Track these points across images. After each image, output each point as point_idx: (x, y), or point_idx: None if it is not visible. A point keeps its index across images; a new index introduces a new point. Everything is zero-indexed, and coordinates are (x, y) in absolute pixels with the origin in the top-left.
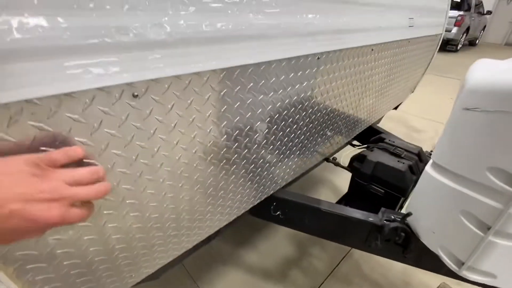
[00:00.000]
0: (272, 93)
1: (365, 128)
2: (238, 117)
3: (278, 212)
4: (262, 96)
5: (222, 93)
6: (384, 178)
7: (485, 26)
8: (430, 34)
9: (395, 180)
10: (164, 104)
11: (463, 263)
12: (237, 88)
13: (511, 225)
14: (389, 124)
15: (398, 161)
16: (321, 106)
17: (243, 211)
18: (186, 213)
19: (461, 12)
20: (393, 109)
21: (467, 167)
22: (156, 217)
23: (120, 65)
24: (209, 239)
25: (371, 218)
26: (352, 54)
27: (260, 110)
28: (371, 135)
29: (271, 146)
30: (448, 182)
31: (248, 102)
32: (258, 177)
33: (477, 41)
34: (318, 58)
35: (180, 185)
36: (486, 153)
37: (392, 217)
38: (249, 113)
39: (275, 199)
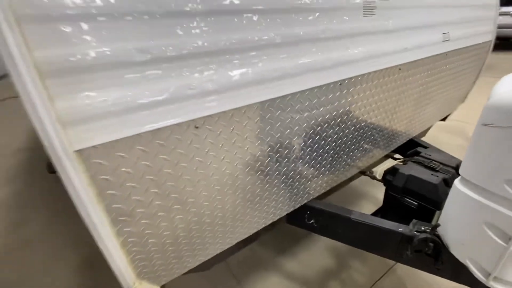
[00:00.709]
0: (304, 114)
1: (404, 141)
2: (269, 137)
3: (312, 221)
4: (292, 118)
5: (256, 120)
6: (416, 190)
7: None
8: (476, 43)
9: (427, 193)
10: (215, 131)
11: (489, 274)
12: (268, 115)
13: None
14: (444, 136)
15: (432, 174)
16: (354, 121)
17: (278, 217)
18: (230, 213)
19: None
20: (441, 120)
21: (488, 181)
22: (207, 214)
23: (186, 108)
24: (250, 240)
25: (401, 228)
26: (377, 76)
27: (289, 130)
28: (413, 148)
29: (301, 160)
30: (472, 195)
31: (277, 125)
32: (290, 188)
33: None
34: (340, 84)
35: (225, 190)
36: (503, 167)
37: (423, 228)
38: (279, 134)
39: (309, 208)
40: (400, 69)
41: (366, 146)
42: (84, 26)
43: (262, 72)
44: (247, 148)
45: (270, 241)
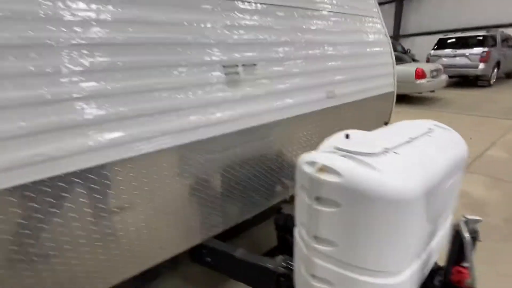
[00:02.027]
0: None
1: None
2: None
3: (209, 259)
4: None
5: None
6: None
7: None
8: (373, 95)
9: None
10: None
11: None
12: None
13: None
14: None
15: None
16: (239, 172)
17: (170, 255)
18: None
19: (486, 49)
20: None
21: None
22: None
23: None
24: (147, 275)
25: (269, 264)
26: (254, 131)
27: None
28: None
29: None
30: (301, 245)
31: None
32: (183, 226)
33: None
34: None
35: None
36: (310, 225)
37: (283, 263)
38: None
39: (205, 247)
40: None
41: (253, 194)
42: None
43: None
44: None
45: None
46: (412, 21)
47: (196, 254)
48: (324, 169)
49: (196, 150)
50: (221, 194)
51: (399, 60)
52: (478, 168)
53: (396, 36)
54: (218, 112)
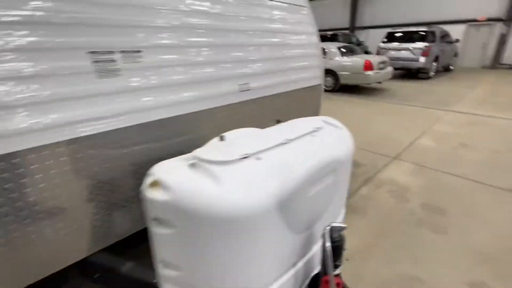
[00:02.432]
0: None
1: None
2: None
3: (96, 275)
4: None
5: None
6: None
7: (456, 53)
8: (298, 88)
9: None
10: None
11: None
12: None
13: None
14: None
15: None
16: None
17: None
18: None
19: (427, 44)
20: None
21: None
22: None
23: None
24: None
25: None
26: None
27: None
28: None
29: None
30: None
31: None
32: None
33: (451, 66)
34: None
35: None
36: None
37: None
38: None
39: (92, 262)
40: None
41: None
42: None
43: None
44: None
45: None
46: (367, 14)
47: (85, 269)
48: (156, 184)
49: (61, 154)
50: (105, 205)
51: (351, 51)
52: (408, 156)
53: (352, 28)
54: (81, 109)
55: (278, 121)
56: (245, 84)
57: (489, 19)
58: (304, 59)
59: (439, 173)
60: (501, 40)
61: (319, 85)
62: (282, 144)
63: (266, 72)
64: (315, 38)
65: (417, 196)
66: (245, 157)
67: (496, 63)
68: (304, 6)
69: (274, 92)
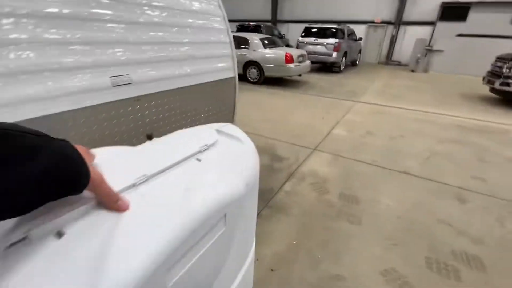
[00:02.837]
0: None
1: None
2: None
3: None
4: None
5: None
6: None
7: (360, 50)
8: (198, 83)
9: None
10: None
11: None
12: None
13: None
14: None
15: None
16: None
17: None
18: None
19: (337, 40)
20: None
21: None
22: None
23: None
24: None
25: None
26: None
27: None
28: None
29: None
30: None
31: None
32: None
33: (357, 61)
34: None
35: None
36: None
37: None
38: None
39: None
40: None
41: None
42: None
43: None
44: None
45: None
46: (287, 8)
47: None
48: None
49: None
50: None
51: (273, 44)
52: (326, 146)
53: (273, 21)
54: None
55: (150, 137)
56: (122, 76)
57: (383, 22)
58: (210, 46)
59: (351, 161)
60: (391, 40)
61: (232, 78)
62: (136, 184)
63: (157, 61)
64: (224, 22)
65: (335, 186)
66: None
67: (388, 60)
68: None
69: (169, 88)
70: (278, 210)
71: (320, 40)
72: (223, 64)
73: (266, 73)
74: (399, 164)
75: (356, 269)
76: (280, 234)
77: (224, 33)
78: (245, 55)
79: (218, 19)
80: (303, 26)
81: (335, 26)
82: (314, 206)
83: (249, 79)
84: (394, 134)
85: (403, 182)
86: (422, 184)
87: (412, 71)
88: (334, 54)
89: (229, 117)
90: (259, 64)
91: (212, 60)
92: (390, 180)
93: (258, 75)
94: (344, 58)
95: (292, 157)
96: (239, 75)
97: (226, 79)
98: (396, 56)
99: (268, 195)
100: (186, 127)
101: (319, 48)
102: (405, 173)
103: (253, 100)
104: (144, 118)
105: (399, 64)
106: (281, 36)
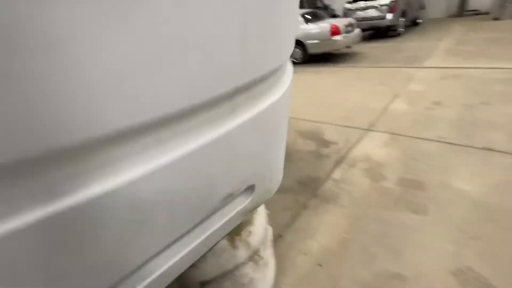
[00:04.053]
0: None
1: None
2: None
3: None
4: None
5: None
6: None
7: (423, 4)
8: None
9: None
10: None
11: None
12: None
13: None
14: (300, 142)
15: None
16: None
17: None
18: None
19: None
20: None
21: None
22: None
23: None
24: None
25: None
26: None
27: None
28: None
29: None
30: None
31: None
32: None
33: (419, 20)
34: None
35: None
36: None
37: None
38: None
39: None
40: None
41: None
42: None
43: None
44: None
45: None
46: None
47: None
48: None
49: None
50: None
51: (316, 17)
52: (381, 125)
53: None
54: None
55: None
56: None
57: None
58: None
59: (413, 140)
60: None
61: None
62: None
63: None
64: None
65: (393, 171)
66: None
67: (461, 10)
68: None
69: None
70: (327, 200)
71: (370, 3)
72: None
73: (311, 51)
74: (479, 139)
75: (420, 267)
76: (328, 226)
77: None
78: None
79: None
80: None
81: None
82: (368, 195)
83: (293, 60)
84: (471, 102)
85: (484, 161)
86: (511, 162)
87: (496, 19)
88: (389, 16)
89: None
90: (302, 42)
91: None
92: (466, 159)
93: (302, 54)
94: (402, 19)
95: (341, 140)
96: None
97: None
98: (472, 4)
99: (315, 184)
100: None
101: (370, 12)
102: (487, 149)
103: (296, 81)
104: None
105: (477, 13)
106: (326, 7)
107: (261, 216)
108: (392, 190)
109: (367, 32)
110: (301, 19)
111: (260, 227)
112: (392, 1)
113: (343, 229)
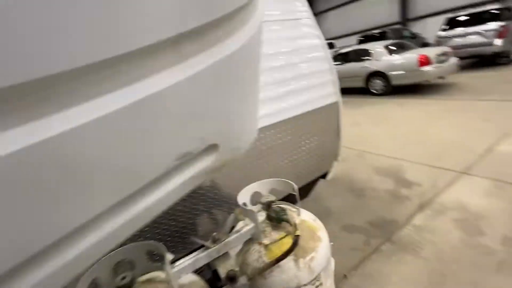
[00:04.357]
0: None
1: None
2: None
3: None
4: None
5: None
6: None
7: None
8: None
9: None
10: None
11: None
12: None
13: None
14: (375, 179)
15: None
16: None
17: None
18: None
19: (502, 23)
20: (321, 178)
21: None
22: None
23: None
24: None
25: None
26: None
27: None
28: None
29: None
30: None
31: None
32: None
33: None
34: None
35: None
36: None
37: None
38: None
39: None
40: None
41: None
42: None
43: None
44: None
45: None
46: (420, 2)
47: None
48: None
49: None
50: None
51: (401, 48)
52: (482, 169)
53: (403, 21)
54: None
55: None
56: None
57: None
58: (311, 76)
59: None
60: None
61: (335, 103)
62: None
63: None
64: (323, 51)
65: (497, 227)
66: None
67: None
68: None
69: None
70: (404, 248)
71: (472, 29)
72: (322, 92)
73: (395, 82)
74: None
75: None
76: (404, 278)
77: (322, 60)
78: (366, 67)
79: (318, 51)
80: (442, 18)
81: (496, 5)
82: (459, 250)
83: (373, 91)
84: None
85: None
86: None
87: None
88: (498, 42)
89: (335, 144)
90: (384, 74)
91: (312, 89)
92: None
93: (383, 85)
94: None
95: (427, 182)
96: (361, 89)
97: (326, 106)
98: None
99: (390, 228)
100: (285, 162)
101: (473, 39)
102: None
103: (376, 113)
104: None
105: None
106: (414, 36)
107: (323, 243)
108: (494, 249)
109: (467, 61)
110: (384, 50)
111: (323, 253)
112: (502, 25)
113: (421, 286)
